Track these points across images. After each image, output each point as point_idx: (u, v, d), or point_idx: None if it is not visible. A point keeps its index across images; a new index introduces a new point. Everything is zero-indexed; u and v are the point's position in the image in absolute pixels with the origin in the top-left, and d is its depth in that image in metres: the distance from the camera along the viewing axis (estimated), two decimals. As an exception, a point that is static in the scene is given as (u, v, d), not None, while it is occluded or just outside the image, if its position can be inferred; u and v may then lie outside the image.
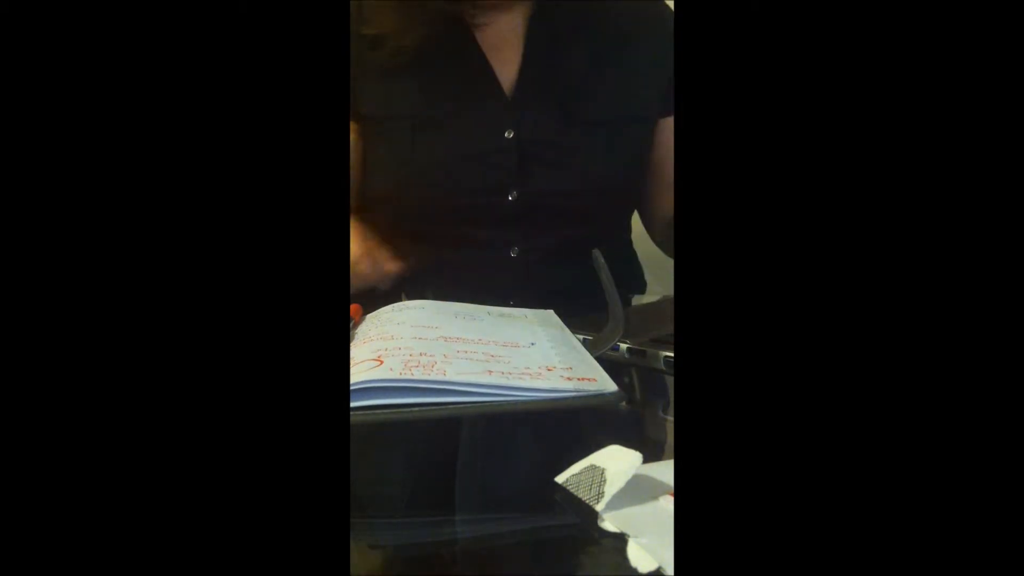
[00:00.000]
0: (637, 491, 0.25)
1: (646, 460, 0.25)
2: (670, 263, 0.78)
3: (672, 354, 0.41)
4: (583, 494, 0.25)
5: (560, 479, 0.26)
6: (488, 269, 0.68)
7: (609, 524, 0.23)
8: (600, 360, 0.37)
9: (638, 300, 0.73)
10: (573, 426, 0.34)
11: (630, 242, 0.81)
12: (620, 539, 0.22)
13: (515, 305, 0.52)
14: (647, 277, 0.82)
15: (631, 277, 0.80)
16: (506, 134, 0.66)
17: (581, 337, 0.44)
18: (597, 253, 0.49)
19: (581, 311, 0.51)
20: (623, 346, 0.44)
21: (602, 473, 0.25)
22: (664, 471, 0.26)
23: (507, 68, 0.67)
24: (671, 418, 0.36)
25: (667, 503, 0.24)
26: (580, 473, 0.26)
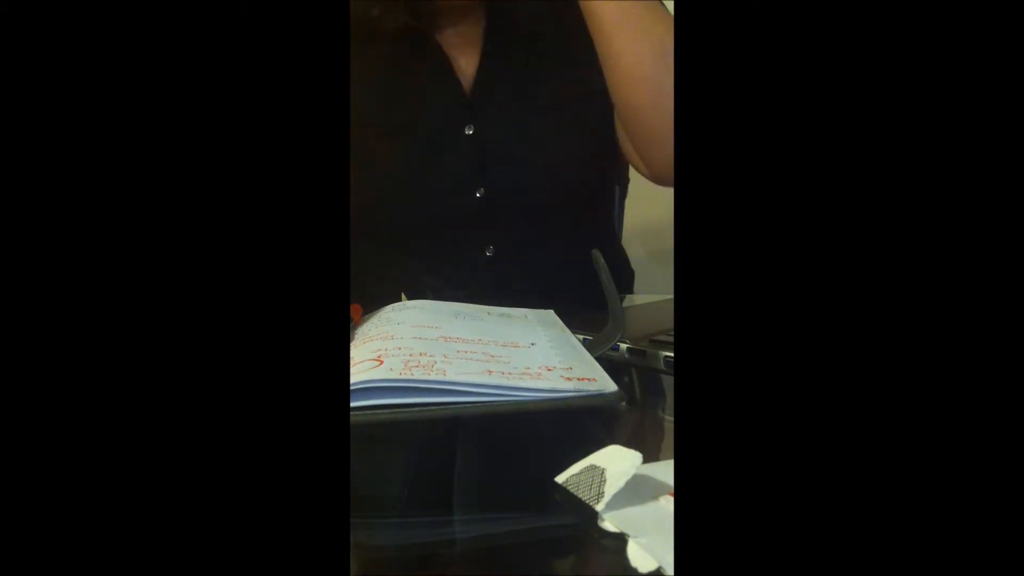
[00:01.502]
0: (637, 491, 0.25)
1: (646, 460, 0.25)
2: (656, 262, 0.78)
3: (672, 354, 0.41)
4: (583, 494, 0.25)
5: (560, 479, 0.26)
6: (467, 272, 0.68)
7: (609, 524, 0.23)
8: (600, 360, 0.37)
9: (630, 301, 0.73)
10: (573, 426, 0.34)
11: (620, 244, 0.81)
12: (620, 539, 0.22)
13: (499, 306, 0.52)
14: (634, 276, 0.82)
15: (619, 276, 0.80)
16: (466, 131, 0.65)
17: (581, 337, 0.44)
18: (597, 253, 0.49)
19: (569, 308, 0.50)
20: (623, 346, 0.44)
21: (602, 473, 0.25)
22: (664, 471, 0.26)
23: (467, 67, 0.67)
24: (671, 418, 0.36)
25: (667, 503, 0.24)
26: (580, 473, 0.26)
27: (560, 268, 0.66)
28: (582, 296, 0.51)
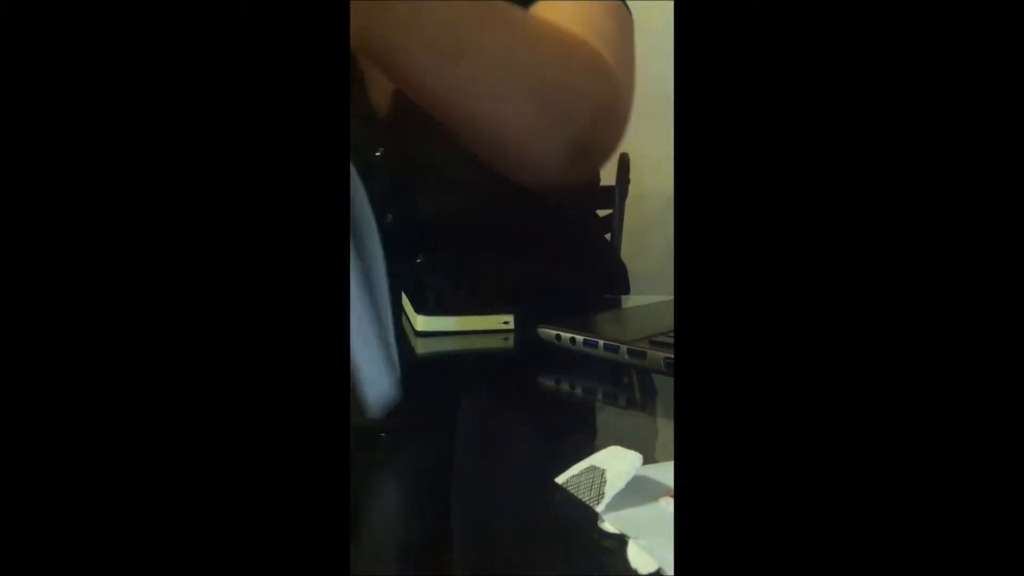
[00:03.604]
0: (637, 492, 0.25)
1: (646, 461, 0.25)
2: (656, 262, 0.77)
3: (671, 355, 0.41)
4: (583, 495, 0.25)
5: (560, 479, 0.26)
6: None
7: (609, 525, 0.23)
8: (600, 360, 0.37)
9: (627, 301, 0.73)
10: (573, 426, 0.34)
11: (609, 243, 0.80)
12: (620, 540, 0.22)
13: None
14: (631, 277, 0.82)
15: (615, 277, 0.80)
16: (376, 152, 0.62)
17: (582, 336, 0.44)
18: None
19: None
20: (623, 347, 0.44)
21: (602, 474, 0.25)
22: (664, 472, 0.26)
23: (382, 82, 0.62)
24: (671, 419, 0.36)
25: (667, 504, 0.24)
26: (580, 474, 0.26)
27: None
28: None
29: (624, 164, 1.25)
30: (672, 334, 0.46)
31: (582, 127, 0.43)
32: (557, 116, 0.40)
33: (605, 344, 0.45)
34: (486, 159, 0.45)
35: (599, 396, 0.42)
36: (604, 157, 0.51)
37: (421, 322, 0.57)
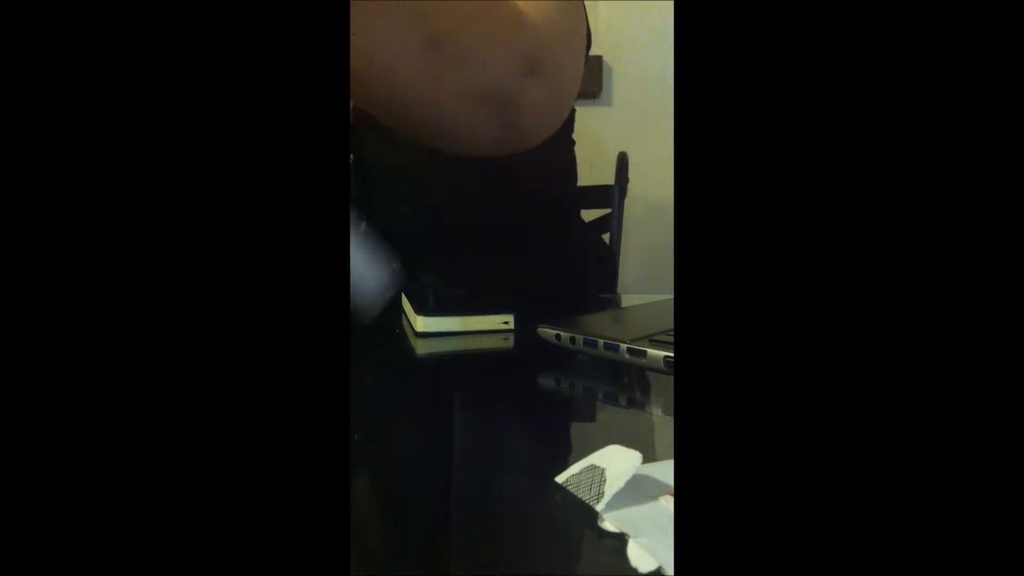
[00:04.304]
0: (637, 491, 0.25)
1: (646, 460, 0.25)
2: (656, 262, 0.77)
3: (672, 354, 0.41)
4: (583, 494, 0.25)
5: (560, 479, 0.26)
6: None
7: (609, 524, 0.23)
8: (600, 360, 0.37)
9: (626, 301, 0.73)
10: (573, 426, 0.34)
11: (603, 242, 0.80)
12: (620, 539, 0.22)
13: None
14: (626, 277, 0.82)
15: (604, 274, 0.79)
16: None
17: (579, 335, 0.44)
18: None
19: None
20: (623, 346, 0.44)
21: (602, 473, 0.25)
22: (664, 471, 0.26)
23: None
24: (671, 418, 0.36)
25: (667, 503, 0.24)
26: (580, 473, 0.26)
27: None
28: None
29: (623, 164, 1.25)
30: (672, 333, 0.46)
31: (492, 79, 0.41)
32: (464, 69, 0.39)
33: (605, 343, 0.45)
34: (410, 131, 0.42)
35: (599, 395, 0.42)
36: (540, 119, 0.48)
37: (421, 323, 0.57)
